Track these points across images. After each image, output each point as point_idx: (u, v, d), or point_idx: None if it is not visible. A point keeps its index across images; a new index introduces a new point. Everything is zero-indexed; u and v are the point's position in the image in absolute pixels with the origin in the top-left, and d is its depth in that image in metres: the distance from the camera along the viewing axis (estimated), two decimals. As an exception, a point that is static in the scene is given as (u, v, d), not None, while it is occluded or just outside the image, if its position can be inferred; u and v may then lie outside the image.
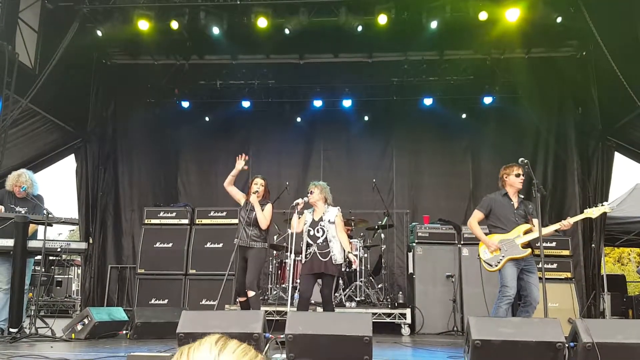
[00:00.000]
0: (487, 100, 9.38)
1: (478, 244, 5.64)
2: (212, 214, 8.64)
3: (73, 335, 6.00)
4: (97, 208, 9.27)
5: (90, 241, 8.80)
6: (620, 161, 8.81)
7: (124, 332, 6.42)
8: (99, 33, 7.82)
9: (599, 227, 8.46)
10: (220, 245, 8.33)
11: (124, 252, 9.48)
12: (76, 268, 11.78)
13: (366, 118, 10.01)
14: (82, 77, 8.89)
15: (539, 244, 5.14)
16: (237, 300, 6.12)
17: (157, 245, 8.54)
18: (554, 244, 7.94)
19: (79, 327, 6.05)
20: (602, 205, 5.40)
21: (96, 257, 9.08)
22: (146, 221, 8.73)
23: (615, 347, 3.83)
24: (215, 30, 7.78)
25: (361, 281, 7.80)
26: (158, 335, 6.02)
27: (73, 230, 16.94)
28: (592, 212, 5.29)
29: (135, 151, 9.92)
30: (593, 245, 8.50)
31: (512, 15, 7.34)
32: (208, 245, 8.43)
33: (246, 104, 9.80)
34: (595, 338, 3.82)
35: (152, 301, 8.25)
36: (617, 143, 8.52)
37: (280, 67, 9.54)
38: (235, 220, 6.20)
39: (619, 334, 3.92)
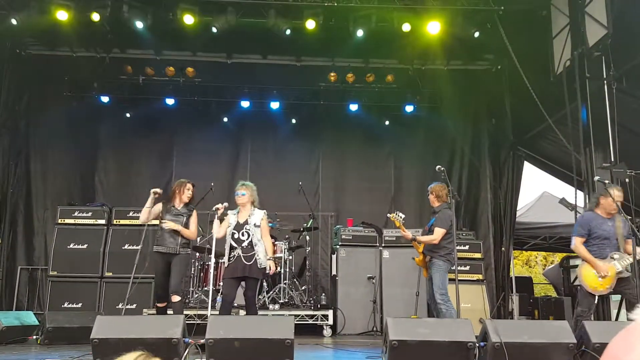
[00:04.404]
0: (409, 108, 9.72)
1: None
2: (131, 214, 8.34)
3: (-24, 342, 5.64)
4: (7, 206, 8.74)
5: (-1, 241, 8.29)
6: (529, 170, 9.45)
7: (34, 337, 6.14)
8: (14, 21, 7.43)
9: (508, 231, 9.01)
10: (139, 247, 8.06)
11: (35, 252, 9.01)
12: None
13: (294, 121, 10.03)
14: (-8, 67, 8.35)
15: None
16: (156, 305, 5.96)
17: (71, 246, 8.17)
18: (467, 247, 8.36)
19: (-17, 333, 5.69)
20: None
21: (5, 258, 8.59)
22: (60, 220, 8.32)
23: (521, 346, 4.11)
24: (139, 25, 7.59)
25: (285, 283, 7.84)
26: (71, 341, 5.80)
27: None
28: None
29: (50, 147, 9.42)
30: (503, 248, 9.03)
31: (433, 28, 7.68)
32: (126, 247, 8.14)
33: (170, 101, 9.55)
34: (503, 338, 4.09)
35: (65, 305, 7.89)
36: (527, 153, 9.12)
37: (207, 65, 9.40)
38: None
39: (525, 334, 4.21)
